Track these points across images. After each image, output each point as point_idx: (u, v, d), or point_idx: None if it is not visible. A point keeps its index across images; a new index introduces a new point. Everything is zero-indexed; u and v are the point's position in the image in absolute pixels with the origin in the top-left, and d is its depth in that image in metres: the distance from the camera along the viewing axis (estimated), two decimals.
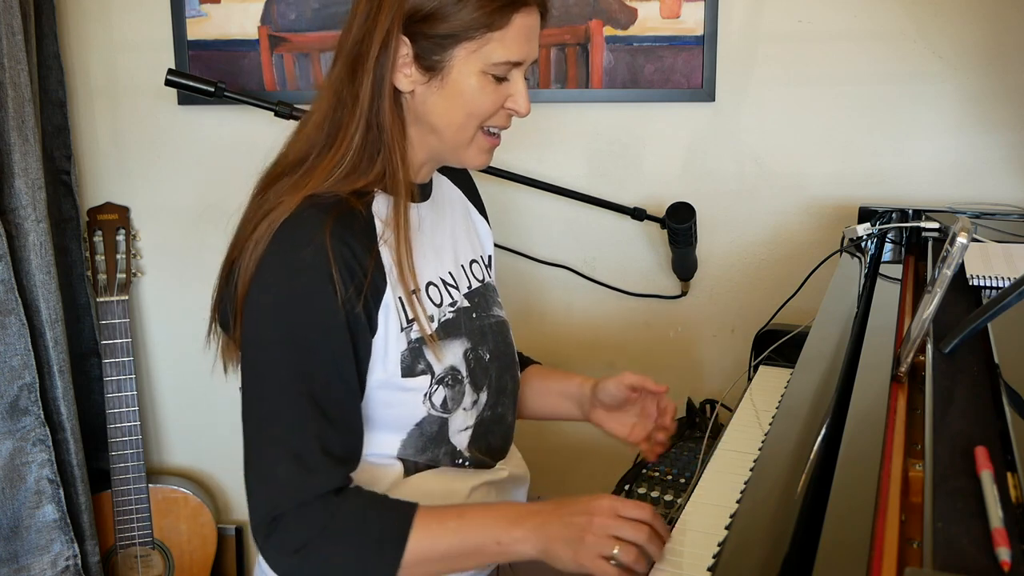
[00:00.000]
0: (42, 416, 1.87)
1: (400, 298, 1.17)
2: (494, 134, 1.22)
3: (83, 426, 2.01)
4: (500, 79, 1.16)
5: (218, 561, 2.22)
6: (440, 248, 1.28)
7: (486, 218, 1.43)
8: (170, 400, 2.27)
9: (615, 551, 1.01)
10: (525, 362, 1.51)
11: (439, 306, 1.23)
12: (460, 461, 1.27)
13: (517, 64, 1.16)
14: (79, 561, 1.95)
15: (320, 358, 1.10)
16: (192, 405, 2.26)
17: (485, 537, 1.08)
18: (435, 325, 1.21)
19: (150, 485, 2.11)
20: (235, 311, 1.14)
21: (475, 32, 1.12)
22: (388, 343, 1.16)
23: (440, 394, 1.21)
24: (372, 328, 1.14)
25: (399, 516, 1.10)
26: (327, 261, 1.08)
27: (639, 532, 1.03)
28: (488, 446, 1.31)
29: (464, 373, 1.24)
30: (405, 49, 1.14)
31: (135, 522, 2.10)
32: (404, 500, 1.13)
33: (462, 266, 1.31)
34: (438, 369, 1.21)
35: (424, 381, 1.20)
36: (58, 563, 1.93)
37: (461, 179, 1.42)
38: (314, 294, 1.09)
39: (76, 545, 1.95)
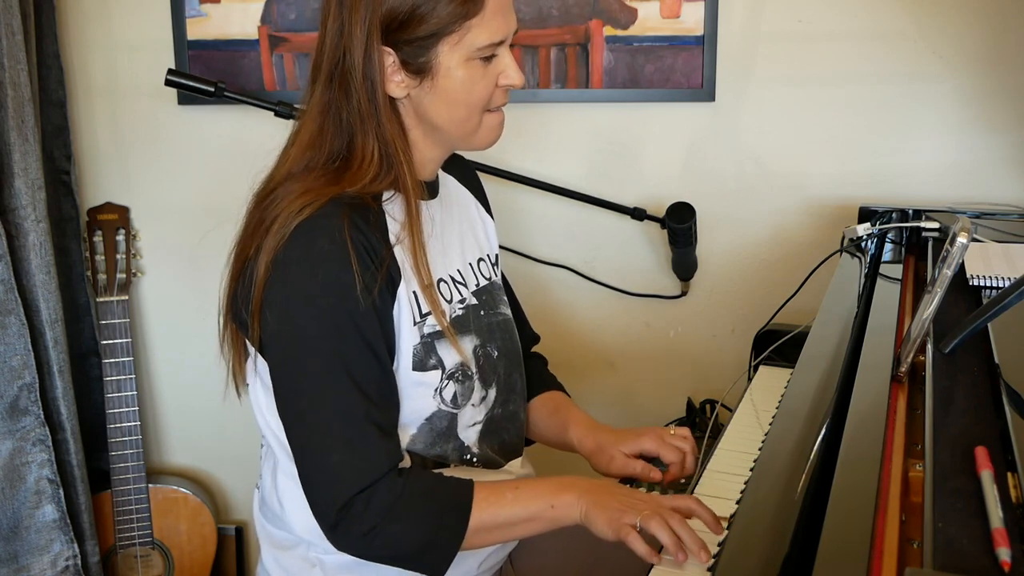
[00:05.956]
0: (42, 416, 1.87)
1: (414, 292, 1.18)
2: (497, 110, 1.23)
3: (83, 426, 2.01)
4: (488, 61, 1.17)
5: (218, 561, 2.21)
6: (448, 245, 1.28)
7: (492, 217, 1.43)
8: (170, 400, 2.27)
9: (638, 519, 1.05)
10: (551, 382, 1.49)
11: (449, 302, 1.25)
12: (468, 457, 1.27)
13: (501, 43, 1.17)
14: (79, 561, 1.95)
15: (352, 340, 1.11)
16: (192, 405, 2.25)
17: (540, 503, 1.13)
18: (446, 321, 1.22)
19: (150, 485, 2.11)
20: (253, 311, 1.14)
21: (454, 25, 1.12)
22: (401, 336, 1.17)
23: (450, 389, 1.22)
24: (388, 316, 1.16)
25: (460, 492, 1.13)
26: (346, 248, 1.10)
27: (676, 520, 1.05)
28: (501, 443, 1.32)
29: (473, 369, 1.25)
30: (390, 58, 1.14)
31: (135, 522, 2.10)
32: (460, 477, 1.16)
33: (470, 263, 1.32)
34: (448, 364, 1.22)
35: (435, 376, 1.21)
36: (58, 563, 1.92)
37: (468, 177, 1.42)
38: (339, 280, 1.10)
39: (76, 545, 1.94)
